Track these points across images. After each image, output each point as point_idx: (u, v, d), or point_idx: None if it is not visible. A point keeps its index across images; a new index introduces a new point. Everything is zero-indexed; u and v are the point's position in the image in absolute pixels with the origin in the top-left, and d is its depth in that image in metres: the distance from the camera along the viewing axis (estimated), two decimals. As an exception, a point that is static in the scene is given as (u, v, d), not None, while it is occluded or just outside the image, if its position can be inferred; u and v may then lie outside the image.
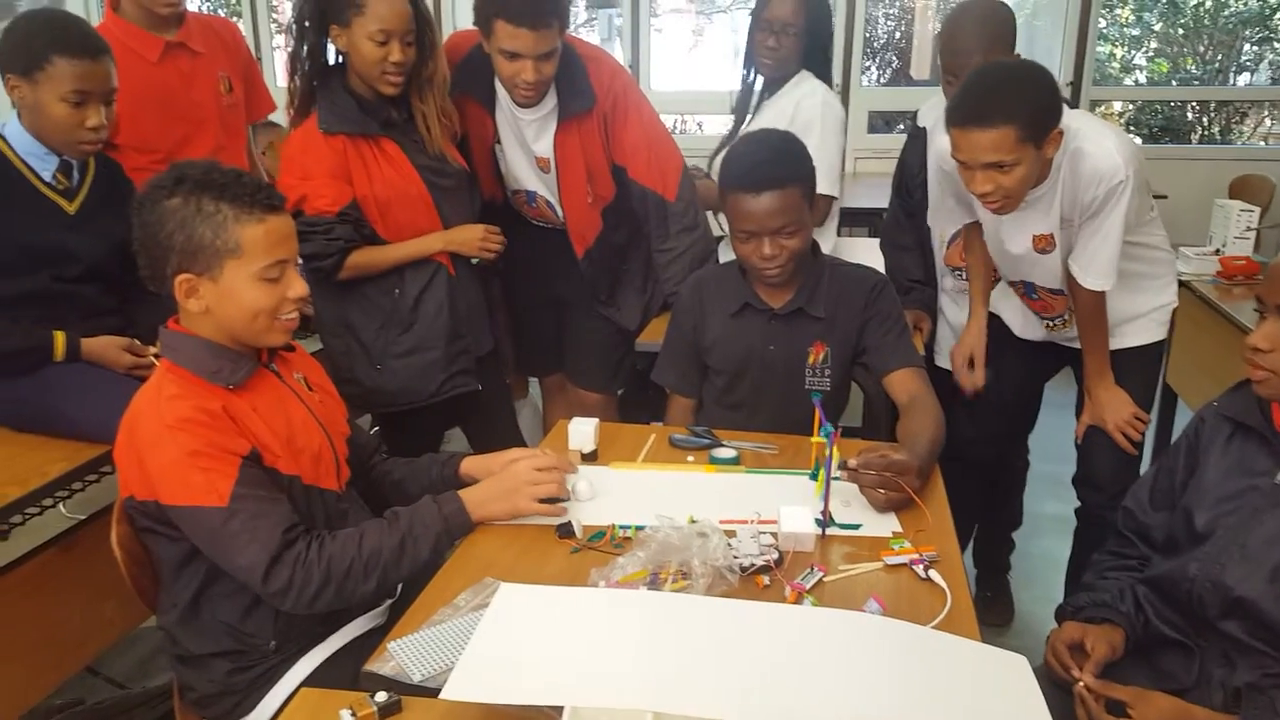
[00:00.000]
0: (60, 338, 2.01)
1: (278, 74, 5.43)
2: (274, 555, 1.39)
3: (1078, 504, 2.34)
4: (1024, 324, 2.35)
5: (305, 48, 2.22)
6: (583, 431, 1.90)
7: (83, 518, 2.01)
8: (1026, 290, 2.24)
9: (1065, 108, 1.90)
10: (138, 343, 2.09)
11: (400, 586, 1.68)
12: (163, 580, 1.56)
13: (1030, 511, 2.86)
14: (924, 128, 2.49)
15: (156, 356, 2.05)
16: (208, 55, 2.56)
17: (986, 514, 2.73)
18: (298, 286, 1.49)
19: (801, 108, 2.60)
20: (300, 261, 1.95)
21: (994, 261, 2.25)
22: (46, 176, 2.04)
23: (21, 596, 1.85)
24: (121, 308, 2.18)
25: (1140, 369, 2.23)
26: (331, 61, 2.27)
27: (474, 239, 2.34)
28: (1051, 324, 2.29)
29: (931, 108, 2.46)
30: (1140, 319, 2.21)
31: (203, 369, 1.45)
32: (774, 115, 2.60)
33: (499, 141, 2.50)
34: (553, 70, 2.26)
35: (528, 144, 2.44)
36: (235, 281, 1.43)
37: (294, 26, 2.22)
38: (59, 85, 1.92)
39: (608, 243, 2.59)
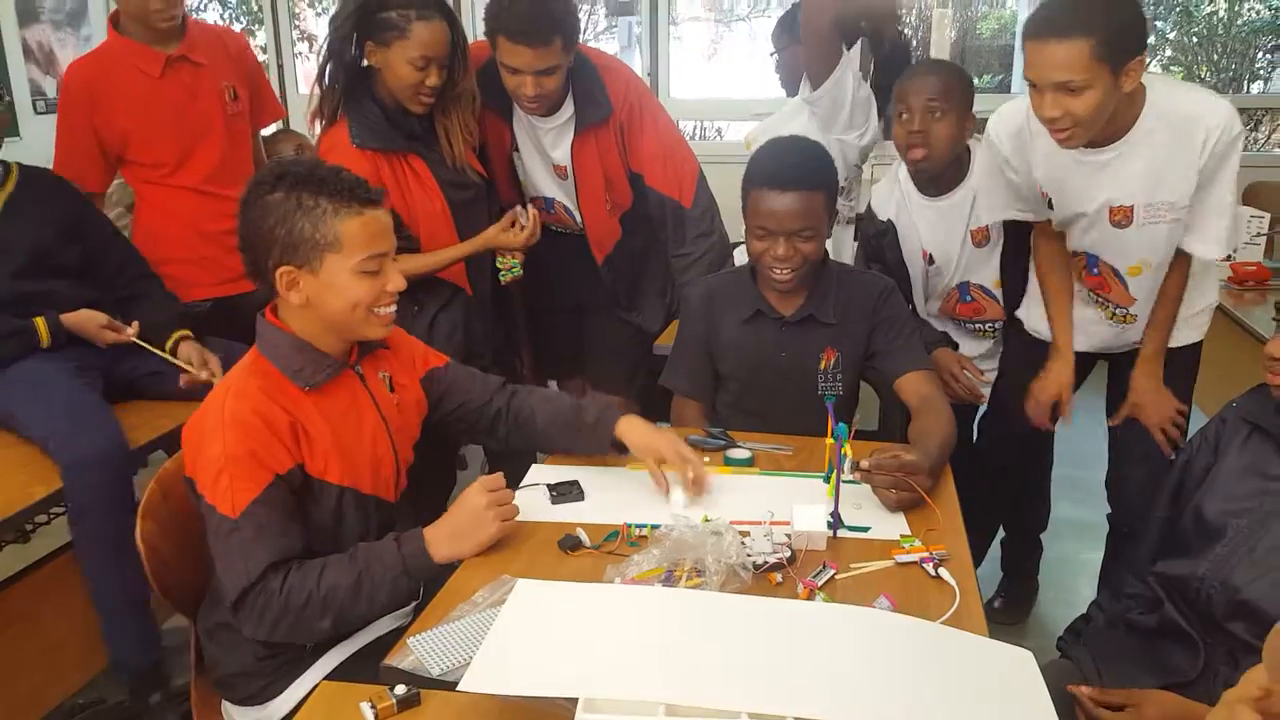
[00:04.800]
0: (40, 322, 2.11)
1: (299, 82, 5.47)
2: (251, 583, 1.40)
3: (1106, 510, 2.34)
4: (1087, 338, 2.26)
5: (338, 60, 2.22)
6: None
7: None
8: (1089, 263, 2.14)
9: (1159, 73, 1.88)
10: (116, 320, 2.18)
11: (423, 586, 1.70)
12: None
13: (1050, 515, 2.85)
14: (889, 220, 2.41)
15: (140, 338, 2.17)
16: (210, 66, 2.59)
17: (1011, 516, 2.72)
18: (396, 280, 1.53)
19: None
20: None
21: (1061, 228, 2.14)
22: None
23: (45, 596, 1.89)
24: (107, 306, 2.24)
25: (1180, 370, 2.19)
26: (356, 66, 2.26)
27: (509, 239, 2.33)
28: (1105, 304, 2.19)
29: (885, 198, 2.43)
30: (1181, 322, 2.17)
31: (287, 365, 1.49)
32: None
33: (517, 150, 2.53)
34: (555, 84, 2.28)
35: (545, 151, 2.47)
36: (335, 275, 1.47)
37: (329, 37, 2.23)
38: None
39: (627, 248, 2.61)
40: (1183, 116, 1.87)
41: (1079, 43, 1.73)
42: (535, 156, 2.51)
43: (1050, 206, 2.09)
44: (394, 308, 1.55)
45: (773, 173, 1.90)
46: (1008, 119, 2.05)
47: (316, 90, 2.27)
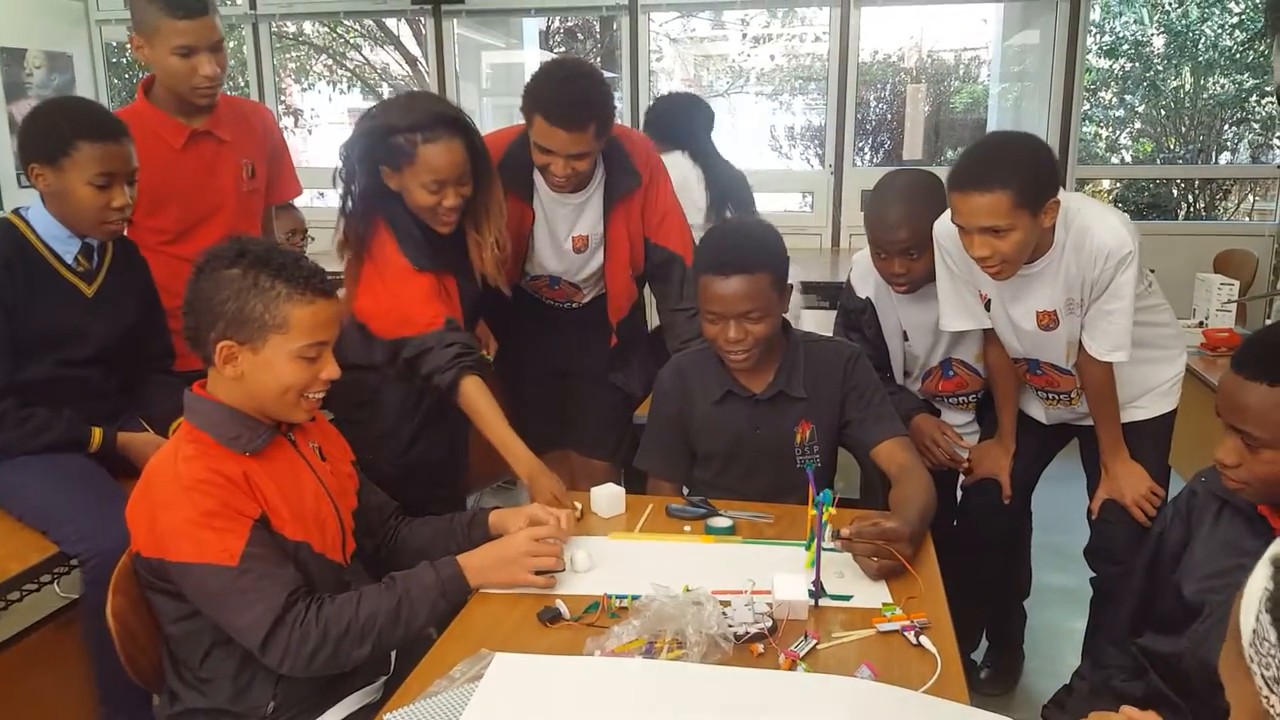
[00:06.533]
0: (97, 434, 2.04)
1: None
2: (278, 616, 1.42)
3: (1090, 575, 2.32)
4: (1046, 413, 2.37)
5: (356, 187, 2.17)
6: (608, 496, 1.92)
7: (75, 597, 2.01)
8: (1030, 367, 2.26)
9: (1066, 190, 1.95)
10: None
11: (394, 662, 1.68)
12: (170, 637, 1.56)
13: (1033, 582, 2.84)
14: (867, 298, 2.44)
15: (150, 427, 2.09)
16: (233, 142, 2.55)
17: (995, 584, 2.71)
18: (330, 369, 1.56)
19: None
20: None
21: (1003, 339, 2.26)
22: (68, 259, 2.05)
23: (12, 676, 1.84)
24: (123, 391, 2.19)
25: (1153, 441, 2.24)
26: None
27: (547, 499, 1.94)
28: (1055, 398, 2.30)
29: (864, 275, 2.44)
30: (1151, 393, 2.24)
31: (222, 434, 1.50)
32: None
33: (532, 231, 2.53)
34: (586, 167, 2.30)
35: (563, 227, 2.50)
36: (274, 356, 1.49)
37: (341, 166, 2.17)
38: (85, 169, 1.94)
39: (636, 306, 2.68)
40: (1083, 234, 2.01)
41: (999, 194, 1.88)
42: (546, 235, 2.53)
43: (988, 309, 2.21)
44: (322, 394, 1.58)
45: (715, 258, 1.93)
46: (951, 225, 2.08)
47: (342, 221, 2.21)
